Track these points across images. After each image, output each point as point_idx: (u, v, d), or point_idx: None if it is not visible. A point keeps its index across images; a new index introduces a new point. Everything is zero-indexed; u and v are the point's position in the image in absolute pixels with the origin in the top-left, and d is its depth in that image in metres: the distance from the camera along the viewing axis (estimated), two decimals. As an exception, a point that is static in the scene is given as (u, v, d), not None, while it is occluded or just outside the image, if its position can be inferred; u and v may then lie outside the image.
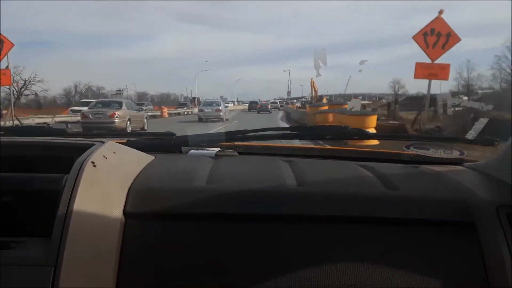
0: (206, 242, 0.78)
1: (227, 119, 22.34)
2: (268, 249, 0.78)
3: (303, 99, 60.19)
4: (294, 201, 0.82)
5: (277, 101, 57.29)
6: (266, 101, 55.65)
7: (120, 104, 15.22)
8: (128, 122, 14.49)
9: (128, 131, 13.20)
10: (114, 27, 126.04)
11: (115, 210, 0.76)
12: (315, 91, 37.40)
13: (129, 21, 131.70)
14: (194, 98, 45.69)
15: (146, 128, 15.82)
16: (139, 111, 17.33)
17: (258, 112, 37.45)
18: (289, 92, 58.56)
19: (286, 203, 0.81)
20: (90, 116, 14.32)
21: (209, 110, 22.36)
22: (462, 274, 0.78)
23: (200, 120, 21.82)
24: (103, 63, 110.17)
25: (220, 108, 22.54)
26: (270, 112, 37.21)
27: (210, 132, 1.34)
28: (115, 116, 14.01)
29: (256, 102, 46.53)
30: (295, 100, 62.10)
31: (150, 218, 0.79)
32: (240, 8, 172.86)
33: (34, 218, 0.82)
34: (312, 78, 38.40)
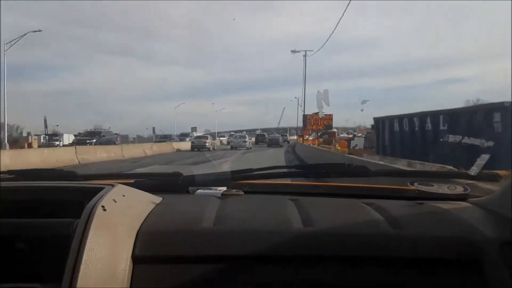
0: (214, 284, 0.80)
1: (250, 148, 33.14)
2: None
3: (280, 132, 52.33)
4: (301, 241, 0.83)
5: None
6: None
7: (207, 137, 33.64)
8: (211, 145, 32.09)
9: (210, 149, 30.73)
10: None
11: (124, 254, 0.78)
12: None
13: (49, 51, 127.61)
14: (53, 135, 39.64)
15: (216, 148, 33.43)
16: (213, 140, 35.70)
17: (268, 145, 37.67)
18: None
19: (292, 243, 0.82)
20: (195, 142, 32.30)
21: (239, 140, 34.26)
22: None
23: (232, 148, 32.34)
24: (21, 96, 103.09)
25: (246, 140, 34.74)
26: (282, 146, 35.91)
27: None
28: (206, 142, 31.84)
29: (263, 135, 45.81)
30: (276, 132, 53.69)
31: (158, 261, 0.81)
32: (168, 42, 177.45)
33: (46, 263, 0.83)
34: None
